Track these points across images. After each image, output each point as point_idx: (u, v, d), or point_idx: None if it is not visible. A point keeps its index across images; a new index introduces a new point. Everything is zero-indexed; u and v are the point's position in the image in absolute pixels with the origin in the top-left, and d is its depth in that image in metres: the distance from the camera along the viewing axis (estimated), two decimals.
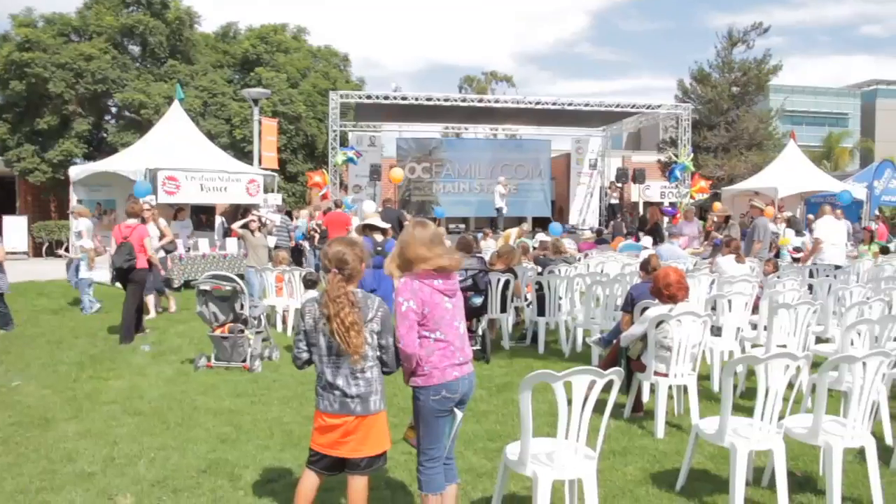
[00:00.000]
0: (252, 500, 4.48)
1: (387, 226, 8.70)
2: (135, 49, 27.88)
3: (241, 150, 24.70)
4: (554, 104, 22.47)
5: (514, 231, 17.17)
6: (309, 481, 3.78)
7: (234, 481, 4.72)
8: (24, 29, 24.76)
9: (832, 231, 11.87)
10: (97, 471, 4.92)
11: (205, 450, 5.31)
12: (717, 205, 15.10)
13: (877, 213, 20.76)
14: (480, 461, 5.11)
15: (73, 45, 25.61)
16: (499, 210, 23.10)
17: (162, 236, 12.10)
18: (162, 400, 6.64)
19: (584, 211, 28.39)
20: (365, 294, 3.74)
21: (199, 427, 5.84)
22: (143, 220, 10.33)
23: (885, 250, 15.17)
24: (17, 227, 22.80)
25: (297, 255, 15.44)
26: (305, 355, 3.76)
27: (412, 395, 3.74)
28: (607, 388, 3.85)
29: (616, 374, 3.84)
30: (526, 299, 10.19)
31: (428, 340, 3.66)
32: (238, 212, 17.56)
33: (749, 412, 4.44)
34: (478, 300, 8.39)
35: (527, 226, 18.14)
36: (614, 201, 26.56)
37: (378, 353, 3.71)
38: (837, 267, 11.61)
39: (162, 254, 12.40)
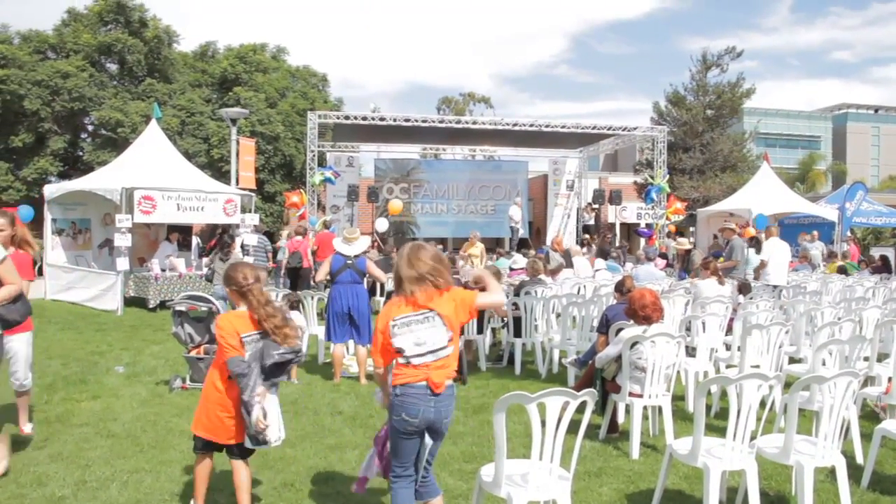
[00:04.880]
0: None
1: (360, 250, 8.69)
2: (112, 67, 27.78)
3: (218, 169, 24.61)
4: (531, 125, 22.66)
5: (467, 244, 17.36)
6: None
7: None
8: None
9: (776, 252, 12.28)
10: (68, 494, 4.85)
11: (179, 472, 5.25)
12: (681, 240, 15.43)
13: (848, 233, 21.09)
14: (456, 483, 5.11)
15: (50, 62, 25.47)
16: (513, 230, 23.43)
17: None
18: (136, 422, 6.56)
19: (562, 232, 28.57)
20: None
21: (173, 449, 5.77)
22: None
23: (842, 270, 15.49)
24: None
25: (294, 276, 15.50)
26: None
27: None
28: (581, 408, 3.88)
29: (589, 396, 3.87)
30: (502, 320, 10.21)
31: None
32: (215, 231, 17.49)
33: (723, 432, 4.48)
34: None
35: (478, 234, 18.29)
36: (591, 222, 26.79)
37: None
38: (775, 287, 12.02)
39: None
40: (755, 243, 14.74)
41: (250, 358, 4.10)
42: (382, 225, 23.14)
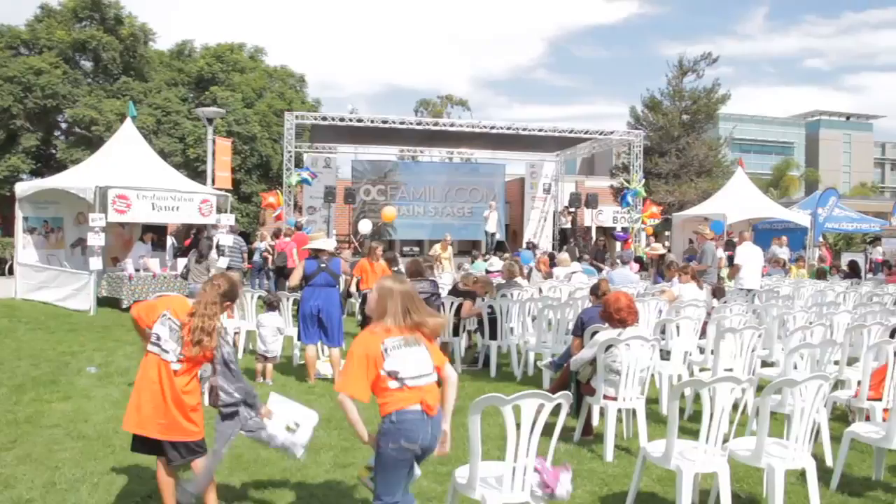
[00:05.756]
0: None
1: (331, 247, 8.74)
2: (87, 65, 27.46)
3: (194, 169, 24.42)
4: (509, 129, 22.70)
5: (437, 246, 17.38)
6: None
7: None
8: None
9: (749, 257, 12.51)
10: (36, 497, 4.79)
11: (150, 475, 5.16)
12: (655, 245, 15.67)
13: (821, 239, 21.37)
14: (430, 485, 5.10)
15: (23, 58, 25.12)
16: (491, 235, 23.66)
17: None
18: (108, 423, 6.46)
19: (538, 235, 28.67)
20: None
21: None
22: None
23: (822, 273, 15.76)
24: None
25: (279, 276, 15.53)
26: None
27: None
28: (556, 411, 3.89)
29: (564, 398, 3.89)
30: (477, 322, 10.20)
31: None
32: (189, 231, 17.33)
33: (696, 435, 4.52)
34: None
35: (450, 237, 18.34)
36: (567, 226, 26.88)
37: None
38: (749, 290, 12.20)
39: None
40: (730, 247, 14.93)
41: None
42: (366, 226, 23.09)
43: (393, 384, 3.61)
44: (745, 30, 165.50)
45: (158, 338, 4.13)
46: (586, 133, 23.96)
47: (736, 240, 14.80)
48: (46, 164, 25.65)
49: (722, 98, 31.55)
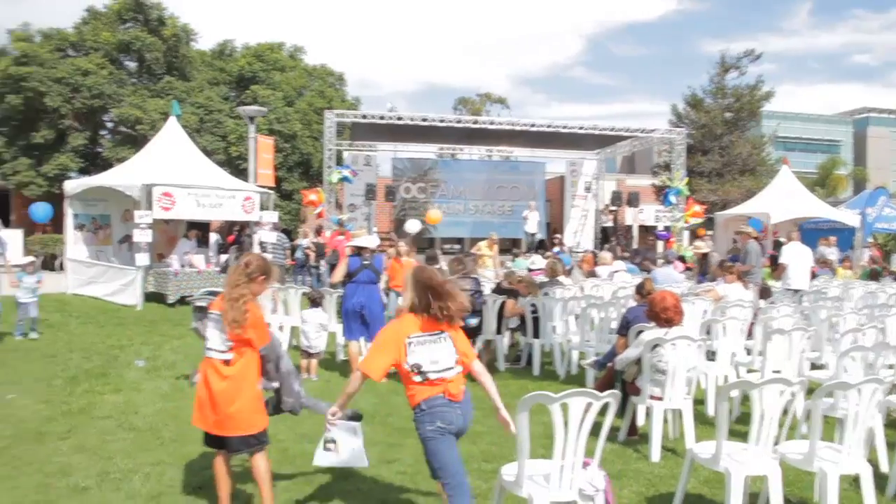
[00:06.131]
0: None
1: (374, 244, 8.78)
2: (131, 65, 27.97)
3: (236, 167, 24.74)
4: (549, 126, 22.59)
5: (483, 244, 17.32)
6: None
7: None
8: (21, 44, 24.85)
9: (797, 257, 12.21)
10: (92, 485, 4.91)
11: (200, 466, 5.29)
12: (699, 243, 15.43)
13: (870, 239, 20.90)
14: (476, 482, 5.10)
15: (70, 59, 25.68)
16: (531, 235, 23.79)
17: None
18: (157, 416, 6.61)
19: (579, 233, 28.48)
20: None
21: (194, 443, 5.77)
22: None
23: (875, 274, 15.42)
24: (12, 240, 22.68)
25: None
26: None
27: None
28: (603, 410, 3.88)
29: (612, 397, 3.87)
30: (520, 321, 10.19)
31: None
32: (232, 228, 17.57)
33: (743, 437, 4.46)
34: (473, 321, 8.44)
35: (496, 236, 18.24)
36: (609, 224, 26.68)
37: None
38: (797, 291, 11.94)
39: None
40: (777, 247, 14.66)
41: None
42: (414, 226, 23.19)
43: (417, 378, 3.84)
44: (790, 26, 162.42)
45: (207, 339, 4.30)
46: (627, 131, 23.74)
47: (783, 240, 14.55)
48: (93, 162, 26.19)
49: (766, 95, 31.01)
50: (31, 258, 11.78)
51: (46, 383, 7.89)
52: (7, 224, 24.45)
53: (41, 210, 13.94)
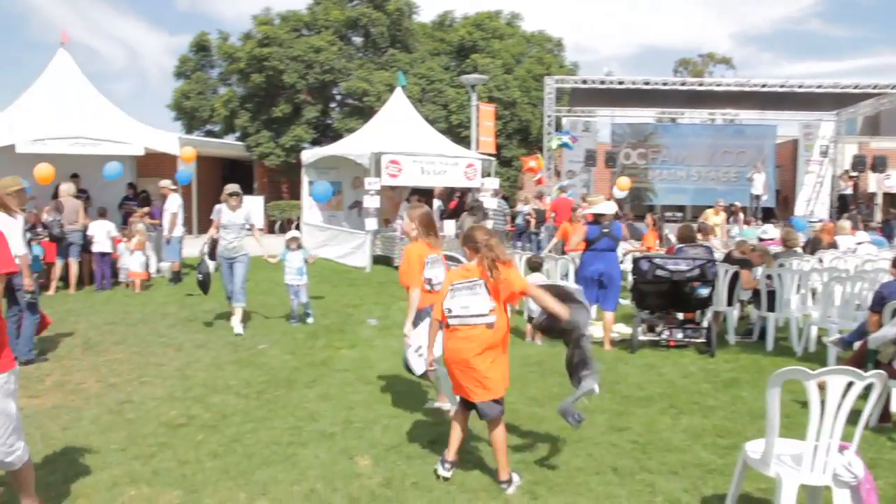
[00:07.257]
0: (479, 474, 4.50)
1: (612, 210, 8.51)
2: (358, 40, 29.37)
3: (457, 135, 25.25)
4: (782, 86, 20.90)
5: (709, 211, 16.37)
6: None
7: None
8: (263, 27, 26.94)
9: None
10: (337, 432, 5.22)
11: (433, 422, 5.46)
12: None
13: None
14: (710, 457, 4.85)
15: (305, 38, 27.43)
16: (756, 197, 22.42)
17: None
18: (390, 371, 6.91)
19: (813, 202, 26.18)
20: None
21: (425, 401, 6.01)
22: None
23: None
24: (254, 206, 24.93)
25: None
26: None
27: None
28: (864, 393, 3.46)
29: (878, 377, 3.45)
30: (753, 293, 9.53)
31: None
32: (453, 194, 18.00)
33: None
34: (704, 291, 8.01)
35: (723, 202, 17.10)
36: (847, 192, 24.25)
37: None
38: None
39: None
40: None
41: None
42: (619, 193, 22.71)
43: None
44: None
45: (450, 311, 4.36)
46: (875, 88, 21.34)
47: None
48: (324, 133, 27.91)
49: None
50: (294, 233, 10.31)
51: (291, 336, 8.54)
52: (251, 191, 26.93)
53: (322, 189, 14.73)
